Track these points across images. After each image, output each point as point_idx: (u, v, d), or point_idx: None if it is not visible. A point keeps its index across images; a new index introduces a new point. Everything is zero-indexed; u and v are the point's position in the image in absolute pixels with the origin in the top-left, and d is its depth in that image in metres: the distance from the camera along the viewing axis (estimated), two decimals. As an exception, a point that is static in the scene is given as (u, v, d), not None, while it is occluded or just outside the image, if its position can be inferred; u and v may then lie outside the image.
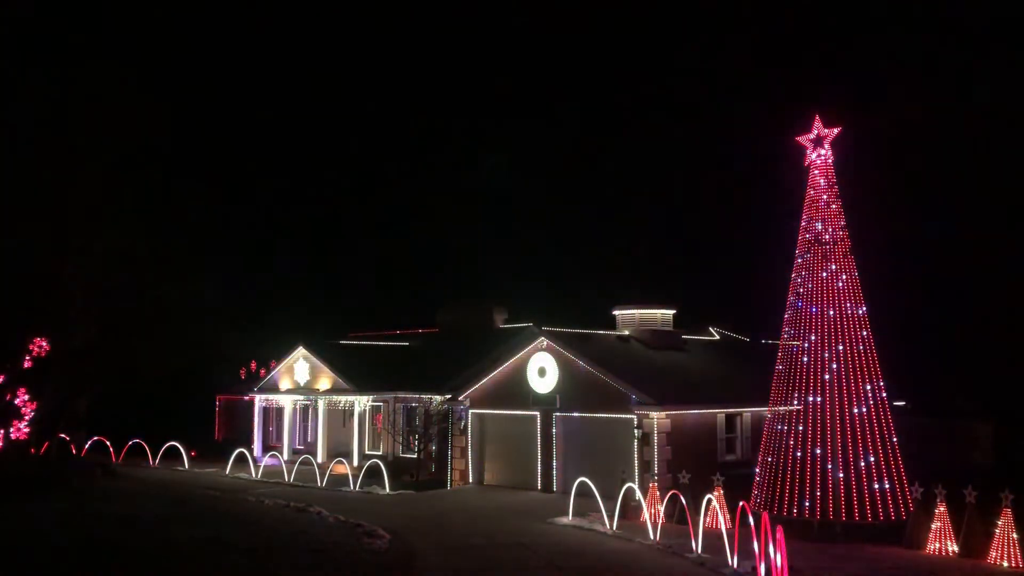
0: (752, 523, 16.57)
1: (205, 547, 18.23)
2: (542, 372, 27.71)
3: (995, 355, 39.55)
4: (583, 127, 77.90)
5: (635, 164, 74.32)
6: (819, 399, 20.66)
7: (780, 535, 14.96)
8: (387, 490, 27.75)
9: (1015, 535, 17.25)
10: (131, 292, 30.89)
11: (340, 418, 34.86)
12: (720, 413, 26.63)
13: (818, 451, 20.35)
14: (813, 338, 21.05)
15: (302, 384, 35.60)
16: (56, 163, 28.57)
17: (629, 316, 31.04)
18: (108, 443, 36.51)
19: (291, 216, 70.68)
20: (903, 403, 29.78)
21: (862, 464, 20.10)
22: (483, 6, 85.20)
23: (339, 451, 33.31)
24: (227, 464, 33.07)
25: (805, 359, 21.08)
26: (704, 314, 37.14)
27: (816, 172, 21.97)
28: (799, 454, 20.59)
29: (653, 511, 20.64)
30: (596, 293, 46.61)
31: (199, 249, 32.54)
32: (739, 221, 65.22)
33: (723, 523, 19.66)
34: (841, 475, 20.06)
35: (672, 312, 31.48)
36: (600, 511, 21.65)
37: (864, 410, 20.47)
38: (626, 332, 30.69)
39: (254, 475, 31.91)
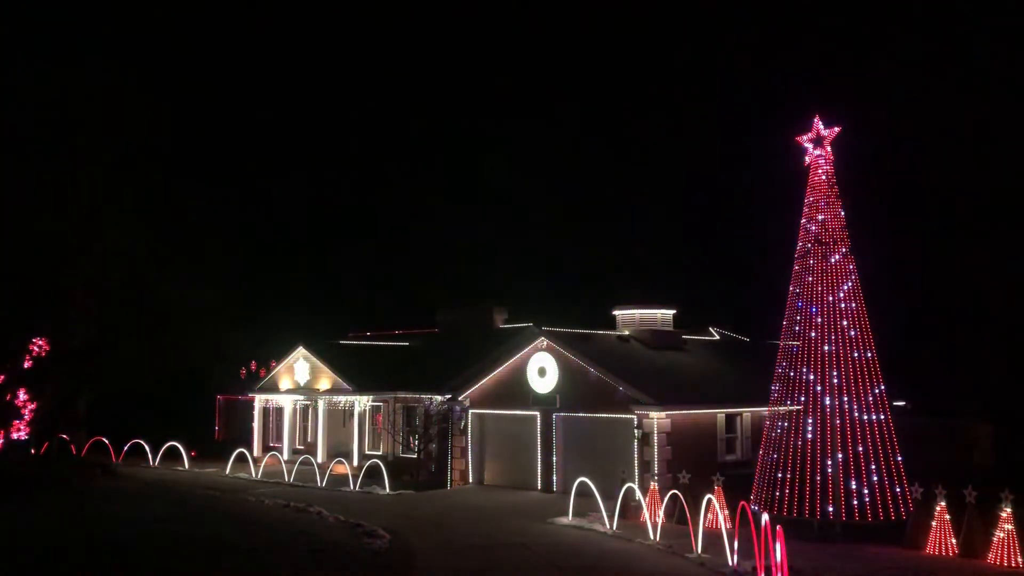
0: (752, 523, 16.58)
1: (205, 547, 18.22)
2: (542, 372, 27.72)
3: (995, 355, 39.59)
4: (583, 127, 77.99)
5: (635, 164, 74.39)
6: (819, 399, 20.65)
7: (780, 535, 14.96)
8: (387, 490, 27.75)
9: (1015, 535, 17.26)
10: (131, 292, 30.91)
11: (340, 418, 34.86)
12: (720, 413, 26.63)
13: (818, 451, 20.35)
14: (813, 336, 21.05)
15: (302, 384, 35.61)
16: (56, 163, 28.57)
17: (629, 316, 31.04)
18: (108, 443, 36.51)
19: (291, 216, 70.73)
20: (903, 403, 29.78)
21: (862, 464, 20.10)
22: (483, 6, 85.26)
23: (339, 451, 33.30)
24: (227, 464, 33.08)
25: (805, 359, 21.08)
26: (704, 314, 37.17)
27: (816, 172, 21.97)
28: (799, 454, 20.60)
29: (653, 511, 20.65)
30: (596, 293, 46.66)
31: (199, 249, 32.52)
32: (739, 221, 65.32)
33: (723, 523, 19.66)
34: (841, 475, 20.07)
35: (672, 312, 31.48)
36: (600, 511, 21.65)
37: (864, 410, 20.46)
38: (626, 332, 30.69)
39: (254, 475, 31.92)
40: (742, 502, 17.33)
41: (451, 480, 29.59)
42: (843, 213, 21.70)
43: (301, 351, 35.74)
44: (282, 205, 71.86)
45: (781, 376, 21.63)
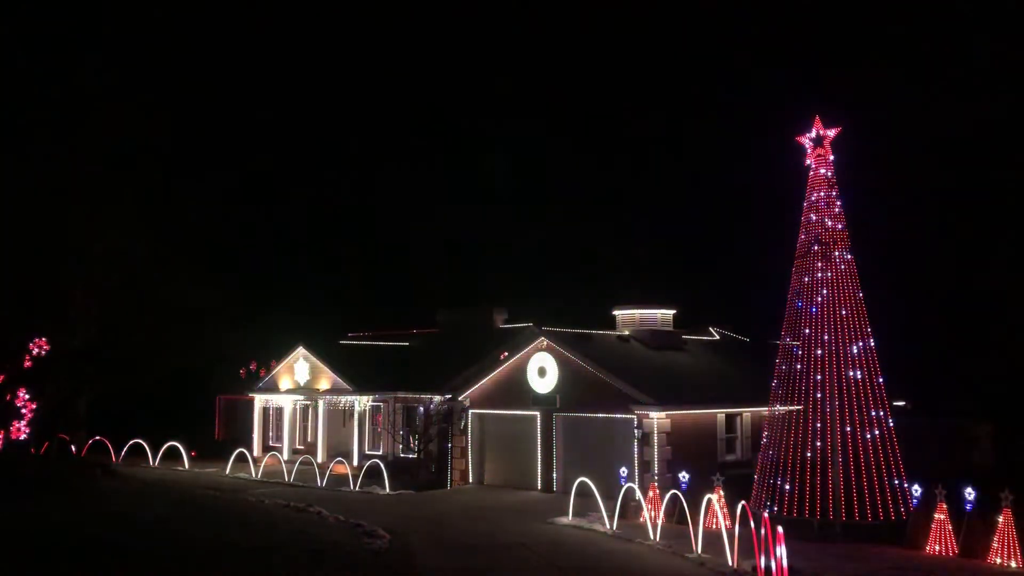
0: (752, 523, 16.58)
1: (205, 547, 18.20)
2: (542, 372, 27.72)
3: (994, 355, 39.58)
4: (583, 127, 77.99)
5: (635, 164, 74.39)
6: (819, 399, 20.65)
7: (780, 535, 14.96)
8: (387, 490, 27.76)
9: (1015, 535, 17.26)
10: (131, 292, 30.94)
11: (340, 418, 34.86)
12: (720, 413, 26.64)
13: (818, 451, 20.36)
14: (811, 336, 21.06)
15: (302, 384, 35.60)
16: (56, 163, 28.59)
17: (629, 316, 31.05)
18: (108, 443, 36.47)
19: (291, 216, 70.62)
20: (903, 403, 29.79)
21: (862, 464, 20.10)
22: (483, 6, 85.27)
23: (339, 451, 33.30)
24: (227, 464, 33.08)
25: (804, 359, 21.08)
26: (704, 314, 37.18)
27: (816, 172, 21.97)
28: (799, 454, 20.60)
29: (653, 511, 20.65)
30: (596, 293, 46.63)
31: (199, 249, 32.57)
32: (739, 221, 65.32)
33: (723, 523, 19.66)
34: (841, 475, 20.07)
35: (672, 312, 31.48)
36: (600, 511, 21.66)
37: (864, 410, 20.46)
38: (626, 332, 30.70)
39: (254, 475, 31.92)
40: (742, 502, 17.34)
41: (451, 480, 29.60)
42: (843, 213, 21.71)
43: (301, 351, 35.74)
44: (282, 204, 71.84)
45: (781, 376, 21.64)
